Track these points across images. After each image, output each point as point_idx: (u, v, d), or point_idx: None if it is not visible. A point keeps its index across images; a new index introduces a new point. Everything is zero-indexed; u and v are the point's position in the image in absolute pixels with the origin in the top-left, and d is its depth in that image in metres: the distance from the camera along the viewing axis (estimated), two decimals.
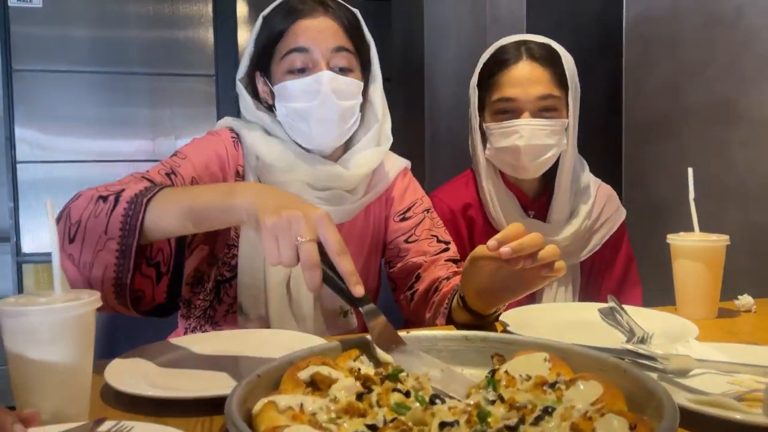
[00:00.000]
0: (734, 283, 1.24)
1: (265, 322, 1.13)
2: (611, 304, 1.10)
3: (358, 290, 0.74)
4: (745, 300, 1.19)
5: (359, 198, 1.24)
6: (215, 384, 0.79)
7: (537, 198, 1.49)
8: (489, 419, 0.56)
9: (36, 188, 2.80)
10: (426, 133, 3.48)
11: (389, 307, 1.47)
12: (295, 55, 1.13)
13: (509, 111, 1.37)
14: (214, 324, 1.17)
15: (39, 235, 2.79)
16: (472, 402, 0.62)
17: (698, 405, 0.65)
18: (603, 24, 2.60)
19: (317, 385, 0.67)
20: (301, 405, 0.60)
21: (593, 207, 1.48)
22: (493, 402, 0.61)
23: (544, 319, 1.09)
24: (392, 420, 0.57)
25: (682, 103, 2.15)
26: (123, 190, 0.86)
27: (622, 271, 1.55)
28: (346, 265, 0.73)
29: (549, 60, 1.37)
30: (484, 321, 1.04)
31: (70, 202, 0.88)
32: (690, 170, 1.18)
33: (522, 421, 0.56)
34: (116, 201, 0.85)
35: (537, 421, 0.56)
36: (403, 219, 1.29)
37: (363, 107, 1.23)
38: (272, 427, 0.55)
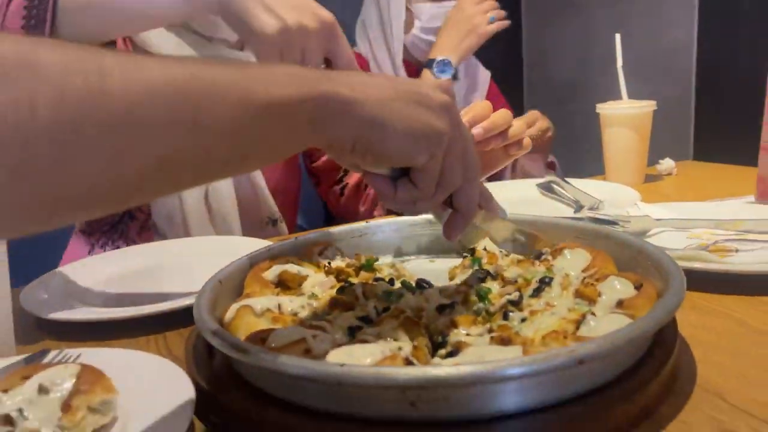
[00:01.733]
0: None
1: None
2: (549, 177, 1.09)
3: None
4: (667, 164, 1.23)
5: None
6: (158, 300, 0.70)
7: None
8: (489, 296, 0.52)
9: None
10: None
11: (313, 204, 1.40)
12: None
13: None
14: (128, 240, 1.04)
15: None
16: (459, 282, 0.58)
17: (679, 261, 0.64)
18: None
19: (287, 285, 0.60)
20: (279, 306, 0.54)
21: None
22: (483, 279, 0.57)
23: None
24: (384, 309, 0.52)
25: None
26: None
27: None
28: None
29: None
30: None
31: None
32: (617, 36, 1.16)
33: (521, 295, 0.53)
34: None
35: (537, 293, 0.53)
36: None
37: None
38: (255, 332, 0.48)
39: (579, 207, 0.94)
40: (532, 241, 0.66)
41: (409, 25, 1.37)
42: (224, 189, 1.03)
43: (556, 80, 2.33)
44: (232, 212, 1.05)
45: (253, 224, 1.09)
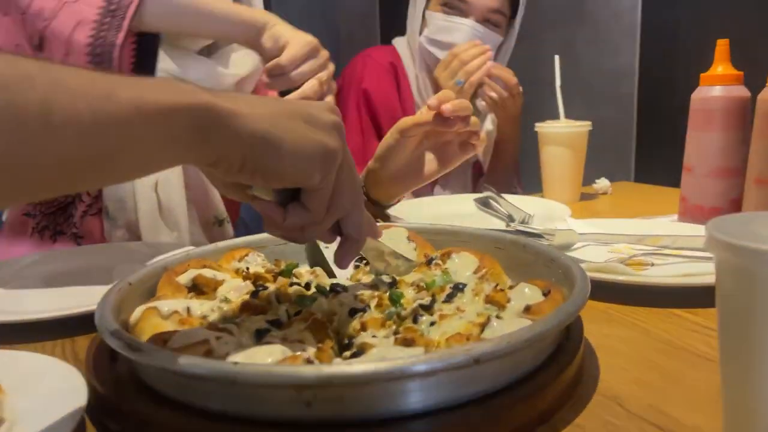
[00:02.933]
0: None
1: (134, 230, 1.00)
2: (487, 193, 1.10)
3: None
4: (603, 183, 1.26)
5: None
6: (71, 302, 0.67)
7: None
8: (402, 301, 0.52)
9: None
10: None
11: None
12: None
13: (457, 9, 1.35)
14: (71, 225, 1.01)
15: None
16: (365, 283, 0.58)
17: (592, 272, 0.66)
18: None
19: (201, 289, 0.59)
20: (188, 309, 0.52)
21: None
22: (392, 284, 0.57)
23: (422, 211, 1.07)
24: (296, 313, 0.52)
25: (535, 3, 2.20)
26: None
27: None
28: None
29: None
30: (383, 212, 1.01)
31: None
32: (557, 58, 1.19)
33: (434, 300, 0.53)
34: None
35: (450, 299, 0.53)
36: None
37: None
38: (158, 333, 0.46)
39: (511, 221, 0.95)
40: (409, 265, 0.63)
41: (423, 31, 1.41)
42: (174, 181, 1.01)
43: None
44: (180, 206, 1.02)
45: (200, 222, 1.07)
